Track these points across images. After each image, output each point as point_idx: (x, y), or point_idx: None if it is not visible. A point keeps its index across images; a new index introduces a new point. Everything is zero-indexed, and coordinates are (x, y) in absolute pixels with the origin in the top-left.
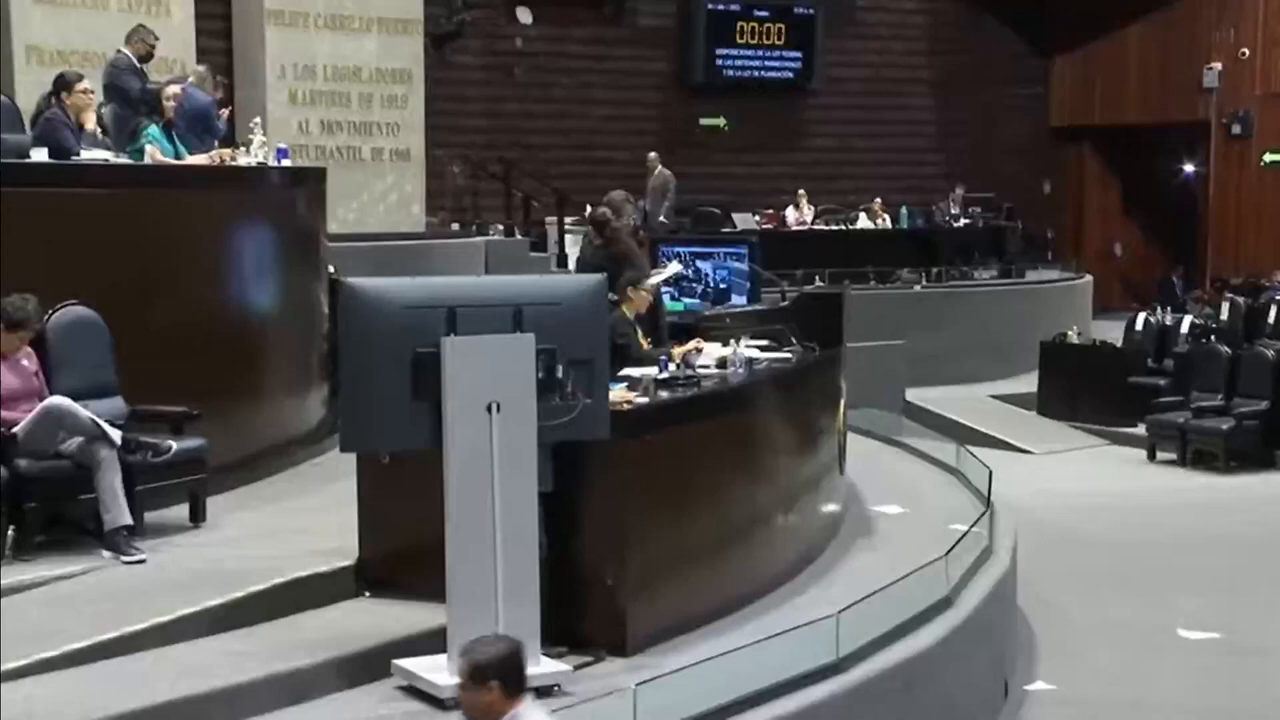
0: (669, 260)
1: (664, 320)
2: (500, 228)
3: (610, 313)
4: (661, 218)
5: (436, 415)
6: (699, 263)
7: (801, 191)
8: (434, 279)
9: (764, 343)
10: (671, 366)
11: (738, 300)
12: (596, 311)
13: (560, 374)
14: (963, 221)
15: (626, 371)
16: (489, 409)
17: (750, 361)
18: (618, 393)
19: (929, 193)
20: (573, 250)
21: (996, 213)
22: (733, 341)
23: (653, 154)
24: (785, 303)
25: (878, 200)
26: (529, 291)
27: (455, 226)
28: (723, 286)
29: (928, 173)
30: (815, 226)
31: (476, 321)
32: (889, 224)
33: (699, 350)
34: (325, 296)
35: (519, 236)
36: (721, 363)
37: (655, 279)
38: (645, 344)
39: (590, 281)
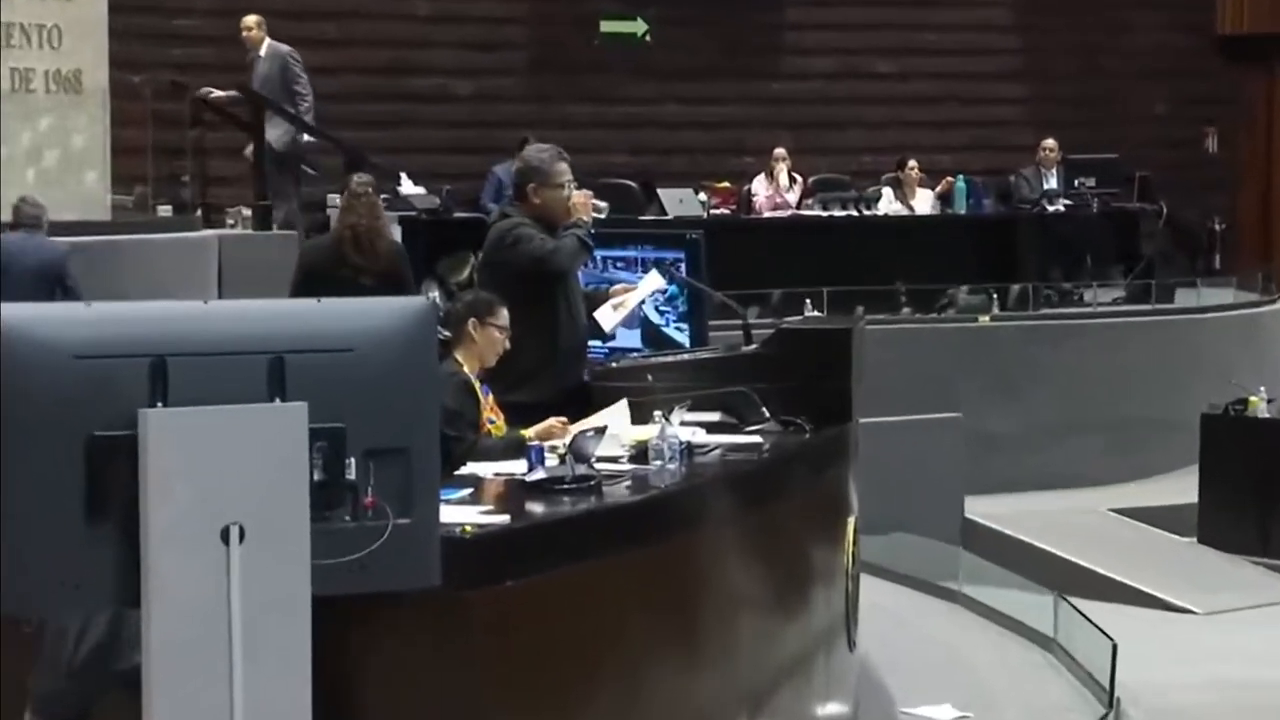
0: (642, 269)
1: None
2: (246, 212)
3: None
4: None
5: (130, 549)
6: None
7: (780, 151)
8: (127, 304)
9: (714, 416)
10: (550, 459)
11: (627, 342)
12: (417, 363)
13: (352, 474)
14: (1063, 203)
15: (471, 469)
16: (225, 537)
17: (689, 450)
18: (456, 508)
19: (1004, 153)
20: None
21: (1122, 187)
22: (659, 415)
23: (252, 16)
24: (752, 346)
25: (913, 165)
26: (297, 327)
27: (165, 210)
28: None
29: (1001, 117)
30: (805, 212)
31: (202, 381)
32: (935, 207)
33: (599, 432)
34: None
35: (280, 230)
36: (640, 451)
37: (625, 299)
38: (496, 421)
39: (404, 310)
